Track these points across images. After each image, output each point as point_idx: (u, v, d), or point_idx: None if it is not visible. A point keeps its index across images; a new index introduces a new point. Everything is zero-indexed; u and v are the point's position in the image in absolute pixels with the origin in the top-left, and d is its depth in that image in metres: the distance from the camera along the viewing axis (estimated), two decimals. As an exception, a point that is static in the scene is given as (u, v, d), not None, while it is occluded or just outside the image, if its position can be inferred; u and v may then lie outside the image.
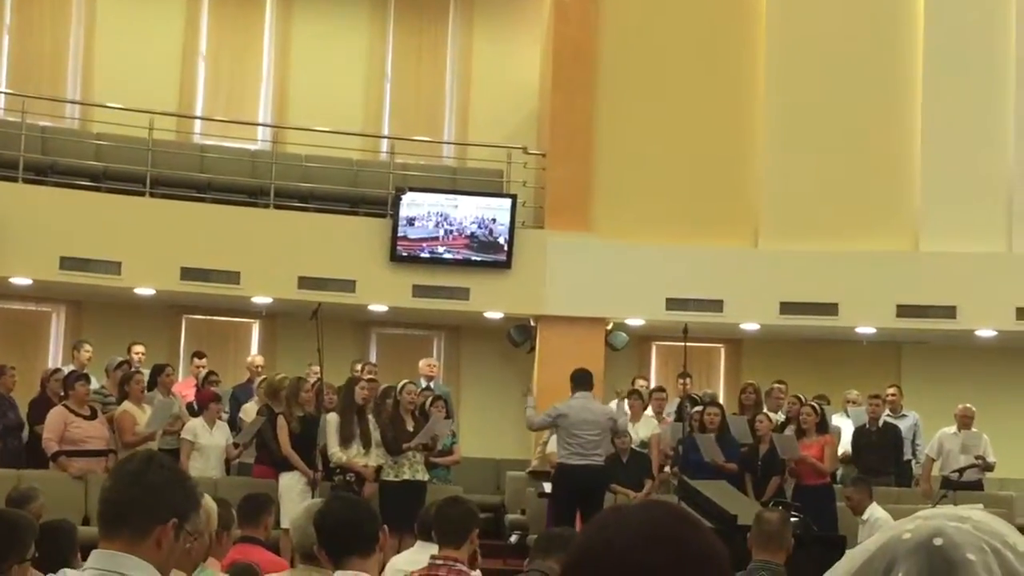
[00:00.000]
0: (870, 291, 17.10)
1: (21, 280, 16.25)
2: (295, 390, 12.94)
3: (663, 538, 1.79)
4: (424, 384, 15.49)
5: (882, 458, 15.05)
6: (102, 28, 18.41)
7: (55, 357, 17.34)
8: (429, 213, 17.08)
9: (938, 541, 1.65)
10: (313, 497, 11.56)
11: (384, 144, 18.96)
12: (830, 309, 17.24)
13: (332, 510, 4.87)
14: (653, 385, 16.88)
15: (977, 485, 14.66)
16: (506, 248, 17.17)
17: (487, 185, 18.17)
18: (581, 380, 13.34)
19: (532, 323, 17.72)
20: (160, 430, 13.34)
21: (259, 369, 15.69)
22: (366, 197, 17.87)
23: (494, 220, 17.18)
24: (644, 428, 14.97)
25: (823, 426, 13.68)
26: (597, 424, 13.06)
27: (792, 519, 8.10)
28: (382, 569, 6.79)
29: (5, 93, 17.73)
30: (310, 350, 12.89)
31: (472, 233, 17.15)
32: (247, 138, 18.59)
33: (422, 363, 16.37)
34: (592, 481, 12.82)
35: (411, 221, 16.99)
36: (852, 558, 1.75)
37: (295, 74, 19.13)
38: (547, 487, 13.89)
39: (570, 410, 13.10)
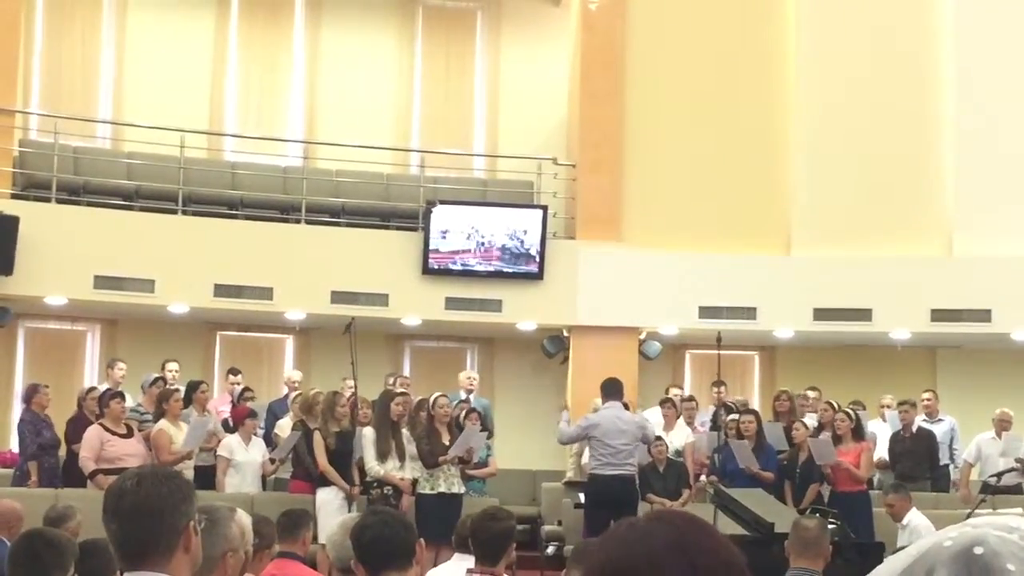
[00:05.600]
0: (904, 296, 17.02)
1: (56, 300, 16.34)
2: (331, 405, 12.94)
3: (681, 552, 1.78)
4: (464, 396, 15.50)
5: (916, 464, 14.99)
6: (132, 48, 18.56)
7: (91, 376, 17.42)
8: (460, 225, 17.09)
9: (979, 550, 1.63)
10: (350, 511, 11.58)
11: (414, 157, 19.02)
12: (864, 315, 17.16)
13: (369, 524, 4.87)
14: (686, 394, 16.85)
15: (1016, 489, 14.56)
16: (538, 259, 17.17)
17: (518, 197, 18.18)
18: (611, 390, 13.33)
19: (565, 334, 17.71)
20: (197, 448, 13.37)
21: (296, 385, 15.71)
22: (397, 211, 17.90)
23: (525, 231, 17.18)
24: (678, 437, 14.93)
25: (859, 432, 13.59)
26: (628, 434, 13.05)
27: (830, 526, 8.07)
28: (420, 582, 6.79)
29: (37, 114, 17.85)
30: (344, 364, 12.91)
31: (503, 245, 17.15)
32: (278, 154, 18.66)
33: (462, 376, 16.38)
34: (624, 491, 12.81)
35: (443, 234, 17.01)
36: (893, 564, 1.74)
37: (324, 89, 19.22)
38: (583, 498, 13.87)
39: (601, 420, 13.10)
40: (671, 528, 1.81)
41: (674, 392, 16.15)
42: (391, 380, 15.41)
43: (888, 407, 16.11)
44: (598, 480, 12.96)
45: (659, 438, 14.14)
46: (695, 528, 1.83)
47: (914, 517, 11.49)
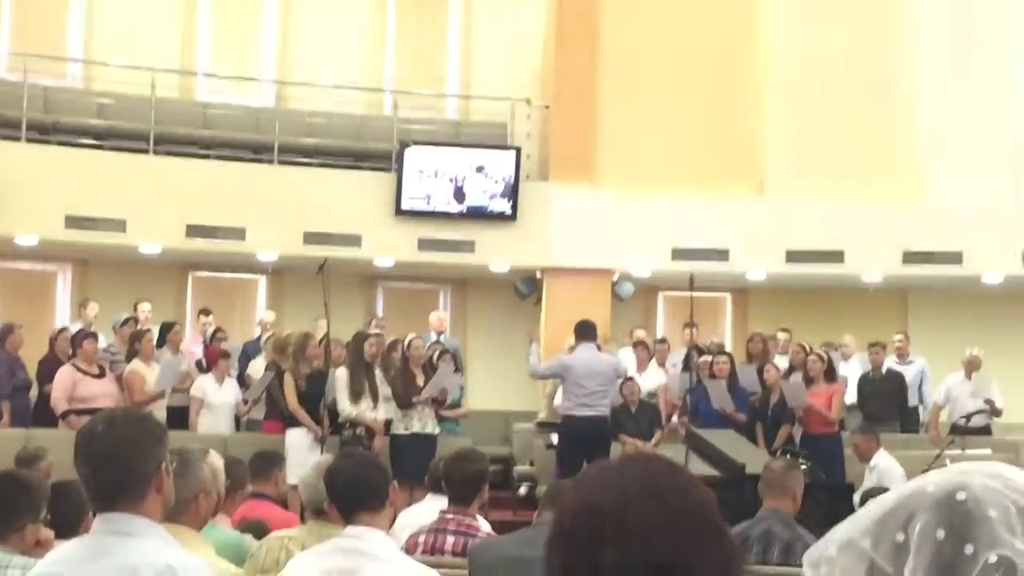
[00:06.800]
0: (876, 238, 17.07)
1: (27, 239, 16.26)
2: (302, 346, 12.93)
3: (653, 494, 1.78)
4: (434, 338, 15.51)
5: (885, 405, 15.08)
6: (102, -15, 18.36)
7: (62, 316, 17.36)
8: (433, 166, 17.04)
9: (961, 496, 1.64)
10: (321, 452, 11.61)
11: (387, 98, 18.93)
12: (836, 257, 17.21)
13: (342, 467, 4.89)
14: (657, 336, 16.91)
15: (985, 430, 14.69)
16: (511, 201, 17.14)
17: (491, 138, 18.13)
18: (585, 331, 13.36)
19: (538, 275, 17.72)
20: (169, 388, 13.37)
21: (269, 326, 15.69)
22: (370, 151, 17.83)
23: (499, 173, 17.14)
24: (650, 379, 14.98)
25: (831, 374, 13.66)
26: (602, 375, 13.10)
27: (801, 467, 8.11)
28: (393, 522, 6.83)
29: (7, 53, 17.69)
30: (317, 305, 12.89)
31: (476, 186, 17.11)
32: (250, 94, 18.54)
33: (432, 317, 16.40)
34: (597, 431, 12.87)
35: (415, 174, 16.96)
36: (874, 508, 1.74)
37: (297, 29, 19.07)
38: (555, 439, 13.93)
39: (575, 362, 13.13)
40: (642, 470, 1.82)
41: (639, 334, 16.14)
42: (371, 322, 15.43)
43: (846, 347, 16.09)
44: (572, 421, 13.01)
45: (630, 378, 14.19)
46: (666, 470, 1.84)
47: (881, 460, 11.55)
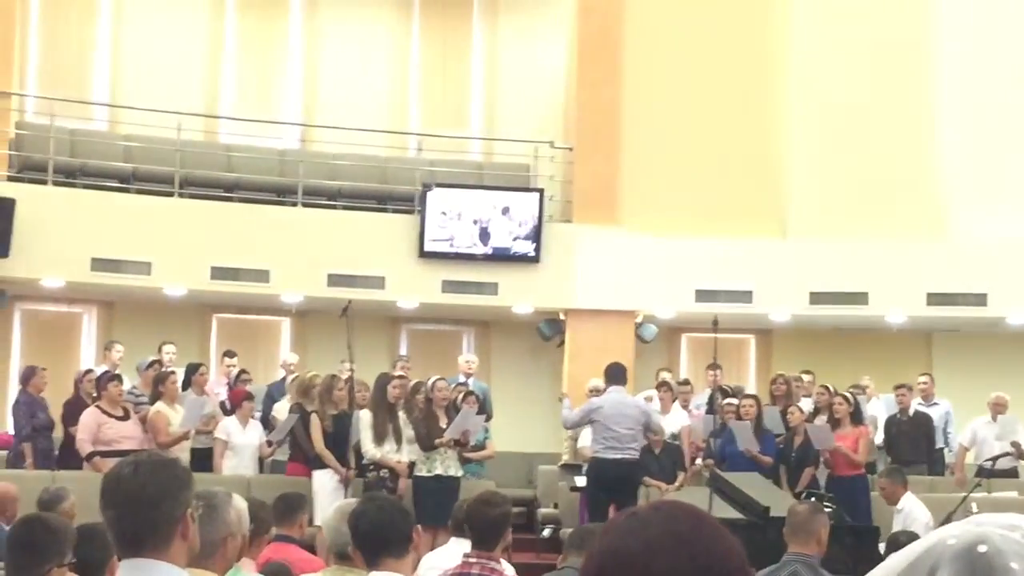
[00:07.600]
0: (900, 279, 17.03)
1: (53, 282, 16.34)
2: (328, 388, 12.95)
3: (679, 542, 1.80)
4: (462, 380, 15.51)
5: (913, 447, 15.02)
6: (128, 29, 18.51)
7: (87, 358, 17.41)
8: (457, 208, 17.08)
9: (982, 548, 1.64)
10: (346, 494, 11.61)
11: (411, 140, 19.00)
12: (860, 298, 17.18)
13: (365, 512, 4.89)
14: (681, 377, 16.87)
15: (1011, 472, 14.60)
16: (534, 242, 17.16)
17: (514, 180, 18.18)
18: (615, 374, 13.36)
19: (561, 317, 17.71)
20: (193, 430, 13.38)
21: (293, 368, 15.71)
22: (394, 194, 17.90)
23: (522, 214, 17.16)
24: (674, 420, 14.95)
25: (857, 416, 13.59)
26: (631, 418, 13.08)
27: (826, 509, 8.07)
28: (416, 566, 6.82)
29: (34, 96, 17.82)
30: (341, 347, 12.92)
31: (500, 228, 17.13)
32: (275, 136, 18.63)
33: (460, 359, 16.40)
34: (626, 474, 12.84)
35: (439, 217, 17.00)
36: (895, 560, 1.74)
37: (322, 72, 19.18)
38: (579, 481, 13.89)
39: (604, 404, 13.12)
40: (670, 519, 1.83)
41: (664, 375, 16.14)
42: (397, 364, 15.47)
43: (868, 387, 16.05)
44: (601, 463, 12.98)
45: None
46: (694, 519, 1.84)
47: (908, 502, 11.49)
